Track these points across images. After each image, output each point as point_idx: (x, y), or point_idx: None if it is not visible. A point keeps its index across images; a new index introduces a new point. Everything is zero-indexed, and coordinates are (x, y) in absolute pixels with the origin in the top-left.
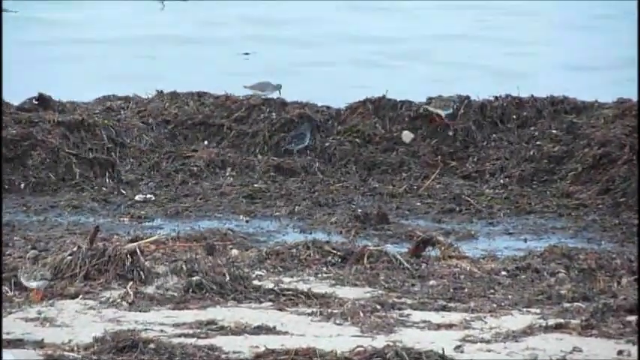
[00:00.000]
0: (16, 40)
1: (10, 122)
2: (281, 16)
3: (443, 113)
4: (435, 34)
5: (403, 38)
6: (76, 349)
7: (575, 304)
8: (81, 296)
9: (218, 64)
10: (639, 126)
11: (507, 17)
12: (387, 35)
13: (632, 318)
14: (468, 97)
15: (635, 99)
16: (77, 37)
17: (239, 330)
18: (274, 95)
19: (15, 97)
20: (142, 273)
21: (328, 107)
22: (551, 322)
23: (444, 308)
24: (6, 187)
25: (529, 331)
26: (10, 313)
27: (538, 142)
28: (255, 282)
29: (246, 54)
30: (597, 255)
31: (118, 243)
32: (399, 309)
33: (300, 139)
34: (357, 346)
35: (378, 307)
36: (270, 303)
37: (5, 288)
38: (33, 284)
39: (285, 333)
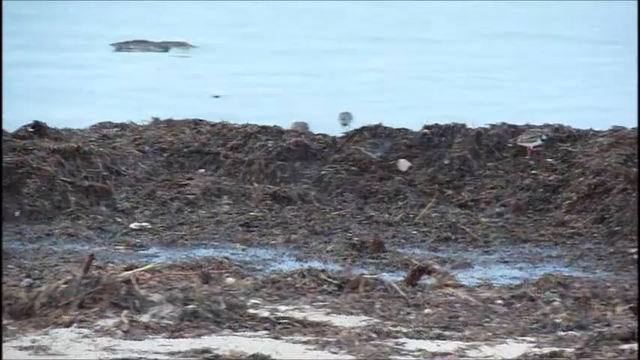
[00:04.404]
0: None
1: (5, 150)
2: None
3: (531, 145)
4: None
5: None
6: None
7: (570, 332)
8: (75, 325)
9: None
10: None
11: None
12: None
13: (627, 346)
14: (463, 125)
15: (629, 126)
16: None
17: (234, 358)
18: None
19: (10, 124)
20: (136, 301)
21: (324, 135)
22: (546, 350)
23: (439, 337)
24: None
25: (524, 359)
26: (4, 341)
27: (533, 171)
28: (251, 310)
29: (217, 96)
30: (592, 283)
31: (112, 271)
32: (395, 337)
33: (382, 148)
34: None
35: (374, 335)
36: (266, 331)
37: None
38: None
39: None
